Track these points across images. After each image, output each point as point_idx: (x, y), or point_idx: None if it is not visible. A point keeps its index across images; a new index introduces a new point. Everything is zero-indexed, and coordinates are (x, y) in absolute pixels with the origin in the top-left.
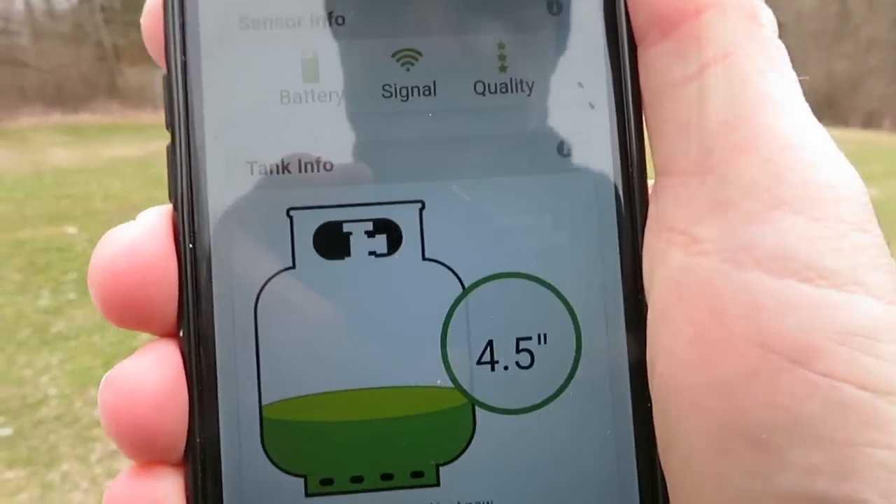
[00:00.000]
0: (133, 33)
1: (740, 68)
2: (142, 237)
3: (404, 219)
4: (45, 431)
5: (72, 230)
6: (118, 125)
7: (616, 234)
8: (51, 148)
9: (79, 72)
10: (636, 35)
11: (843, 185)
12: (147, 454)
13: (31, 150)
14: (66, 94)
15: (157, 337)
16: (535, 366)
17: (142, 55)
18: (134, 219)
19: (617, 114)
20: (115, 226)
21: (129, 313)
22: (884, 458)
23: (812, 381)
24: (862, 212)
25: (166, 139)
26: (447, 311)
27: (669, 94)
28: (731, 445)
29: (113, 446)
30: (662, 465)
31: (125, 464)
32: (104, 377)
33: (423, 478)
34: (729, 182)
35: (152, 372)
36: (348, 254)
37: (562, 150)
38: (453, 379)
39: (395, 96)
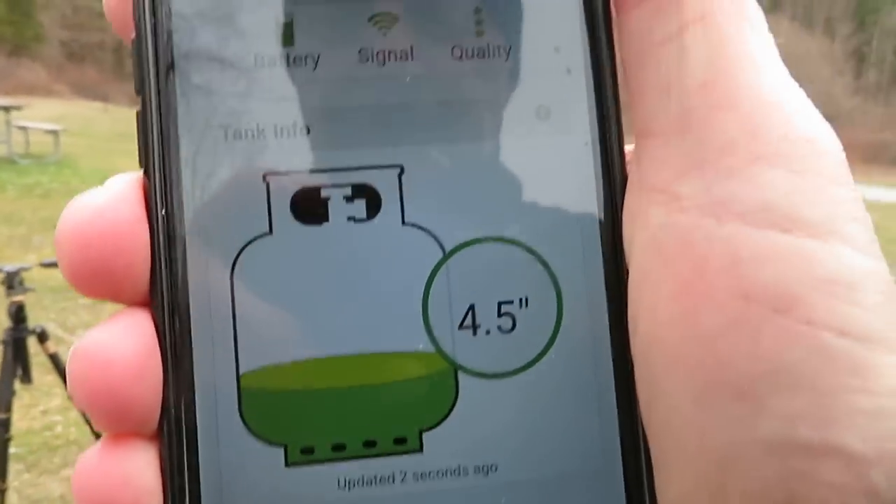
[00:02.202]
0: None
1: (718, 28)
2: (111, 203)
3: (383, 184)
4: None
5: None
6: None
7: (595, 197)
8: None
9: None
10: (615, 1)
11: (820, 141)
12: (120, 425)
13: None
14: None
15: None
16: (517, 329)
17: None
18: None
19: (594, 78)
20: None
21: (99, 283)
22: (863, 405)
23: (794, 330)
24: (839, 167)
25: None
26: (428, 275)
27: (650, 56)
28: (713, 397)
29: None
30: (644, 422)
31: None
32: (74, 346)
33: (407, 444)
34: (708, 139)
35: (125, 341)
36: (327, 219)
37: (539, 114)
38: (435, 344)
39: (373, 60)
